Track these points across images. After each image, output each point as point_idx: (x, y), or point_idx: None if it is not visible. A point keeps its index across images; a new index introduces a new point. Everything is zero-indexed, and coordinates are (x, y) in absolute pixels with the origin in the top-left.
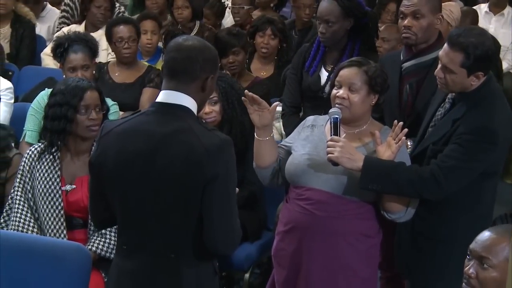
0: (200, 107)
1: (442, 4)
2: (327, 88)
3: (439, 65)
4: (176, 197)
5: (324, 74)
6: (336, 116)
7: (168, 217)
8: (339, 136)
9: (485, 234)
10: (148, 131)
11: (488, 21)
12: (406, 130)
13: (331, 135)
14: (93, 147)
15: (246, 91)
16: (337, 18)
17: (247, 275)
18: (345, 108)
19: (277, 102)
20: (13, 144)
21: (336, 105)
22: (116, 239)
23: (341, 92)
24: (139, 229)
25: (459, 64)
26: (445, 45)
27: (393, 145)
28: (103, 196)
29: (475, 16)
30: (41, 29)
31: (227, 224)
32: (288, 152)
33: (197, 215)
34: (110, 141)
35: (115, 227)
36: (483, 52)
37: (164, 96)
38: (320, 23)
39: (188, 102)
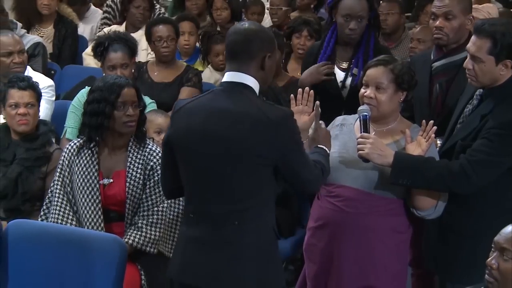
0: (262, 85)
1: (481, 6)
2: (346, 85)
3: (468, 57)
4: (243, 167)
5: (339, 73)
6: (366, 113)
7: (234, 186)
8: (369, 133)
9: (510, 228)
10: (215, 107)
11: None
12: (435, 127)
13: (361, 132)
14: (129, 143)
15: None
16: (366, 13)
17: None
18: (373, 107)
19: (317, 103)
20: (53, 140)
21: (364, 104)
22: (152, 232)
23: (368, 91)
24: (206, 198)
25: (487, 51)
26: (472, 36)
27: (423, 143)
28: (173, 169)
29: None
30: (84, 30)
31: (308, 170)
32: None
33: (263, 183)
34: (181, 117)
35: (151, 221)
36: (511, 39)
37: (228, 76)
38: (350, 20)
39: (250, 81)
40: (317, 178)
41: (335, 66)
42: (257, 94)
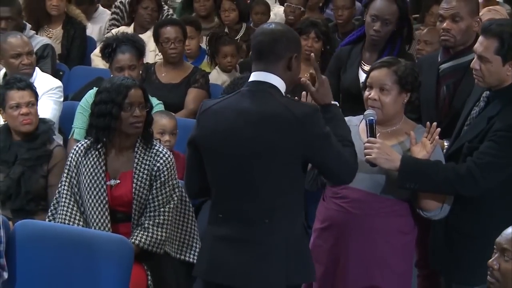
0: (288, 86)
1: (491, 7)
2: None
3: (475, 57)
4: (272, 166)
5: (362, 75)
6: (372, 117)
7: (264, 185)
8: (375, 137)
9: (511, 229)
10: (242, 108)
11: None
12: (439, 129)
13: (367, 137)
14: (136, 144)
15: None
16: (395, 19)
17: None
18: (377, 109)
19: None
20: (54, 137)
21: (369, 107)
22: (158, 232)
23: (372, 93)
24: (236, 198)
25: (494, 51)
26: (480, 37)
27: (428, 145)
28: (200, 169)
29: None
30: (93, 30)
31: (342, 162)
32: None
33: (292, 181)
34: (208, 118)
35: (157, 221)
36: None
37: (255, 76)
38: (376, 21)
39: (277, 81)
40: (351, 168)
41: (359, 68)
42: (283, 94)
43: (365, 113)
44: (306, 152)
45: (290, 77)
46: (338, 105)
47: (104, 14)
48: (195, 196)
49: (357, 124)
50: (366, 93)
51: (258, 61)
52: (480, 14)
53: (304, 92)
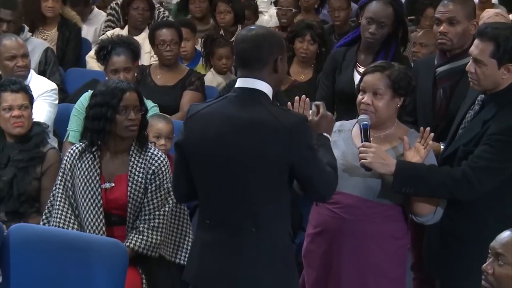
0: (276, 86)
1: (498, 11)
2: None
3: (470, 61)
4: (259, 174)
5: (357, 77)
6: (366, 122)
7: (250, 193)
8: (370, 141)
9: (505, 233)
10: (230, 114)
11: None
12: (432, 134)
13: (362, 142)
14: (131, 147)
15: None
16: (391, 22)
17: None
18: (370, 113)
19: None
20: (48, 140)
21: (362, 111)
22: (153, 236)
23: (365, 98)
24: (222, 205)
25: (489, 54)
26: (475, 40)
27: (421, 150)
28: (186, 173)
29: None
30: (88, 32)
31: (322, 177)
32: None
33: (278, 190)
34: (195, 123)
35: (152, 225)
36: None
37: (241, 82)
38: (371, 23)
39: (263, 86)
40: (330, 185)
41: (354, 70)
42: (271, 98)
43: (359, 118)
44: (292, 160)
45: (277, 79)
46: (330, 139)
47: (99, 15)
48: (183, 199)
49: (350, 129)
50: (359, 97)
51: (243, 68)
52: (487, 18)
53: (297, 97)
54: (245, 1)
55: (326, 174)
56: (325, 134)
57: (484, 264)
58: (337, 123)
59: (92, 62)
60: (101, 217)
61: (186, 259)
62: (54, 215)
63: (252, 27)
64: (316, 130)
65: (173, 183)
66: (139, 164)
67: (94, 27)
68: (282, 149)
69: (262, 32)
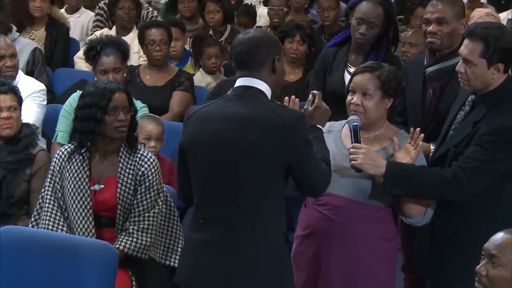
0: (275, 89)
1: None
2: None
3: (460, 61)
4: (256, 170)
5: (348, 77)
6: (356, 123)
7: (246, 190)
8: (360, 142)
9: (499, 235)
10: (228, 112)
11: None
12: (422, 135)
13: (352, 143)
14: (121, 148)
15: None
16: (381, 22)
17: None
18: (360, 114)
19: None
20: (37, 141)
21: (351, 111)
22: (143, 238)
23: (355, 98)
24: (218, 202)
25: (479, 54)
26: (465, 40)
27: (411, 151)
28: (188, 174)
29: None
30: (74, 29)
31: (318, 172)
32: None
33: (275, 186)
34: (194, 123)
35: (142, 226)
36: (503, 42)
37: (240, 82)
38: (362, 24)
39: (262, 85)
40: (325, 181)
41: (345, 70)
42: (269, 98)
43: (349, 119)
44: (290, 156)
45: (276, 80)
46: (323, 130)
47: (86, 13)
48: (189, 201)
49: (339, 130)
50: (349, 97)
51: (241, 70)
52: (478, 17)
53: (286, 98)
54: (245, 8)
55: (321, 169)
56: (318, 126)
57: (478, 266)
58: (327, 124)
59: (80, 63)
60: (90, 219)
61: (176, 261)
62: (43, 217)
63: (248, 30)
64: (310, 121)
65: (178, 186)
66: (128, 166)
67: (81, 24)
68: (281, 144)
69: (259, 34)
